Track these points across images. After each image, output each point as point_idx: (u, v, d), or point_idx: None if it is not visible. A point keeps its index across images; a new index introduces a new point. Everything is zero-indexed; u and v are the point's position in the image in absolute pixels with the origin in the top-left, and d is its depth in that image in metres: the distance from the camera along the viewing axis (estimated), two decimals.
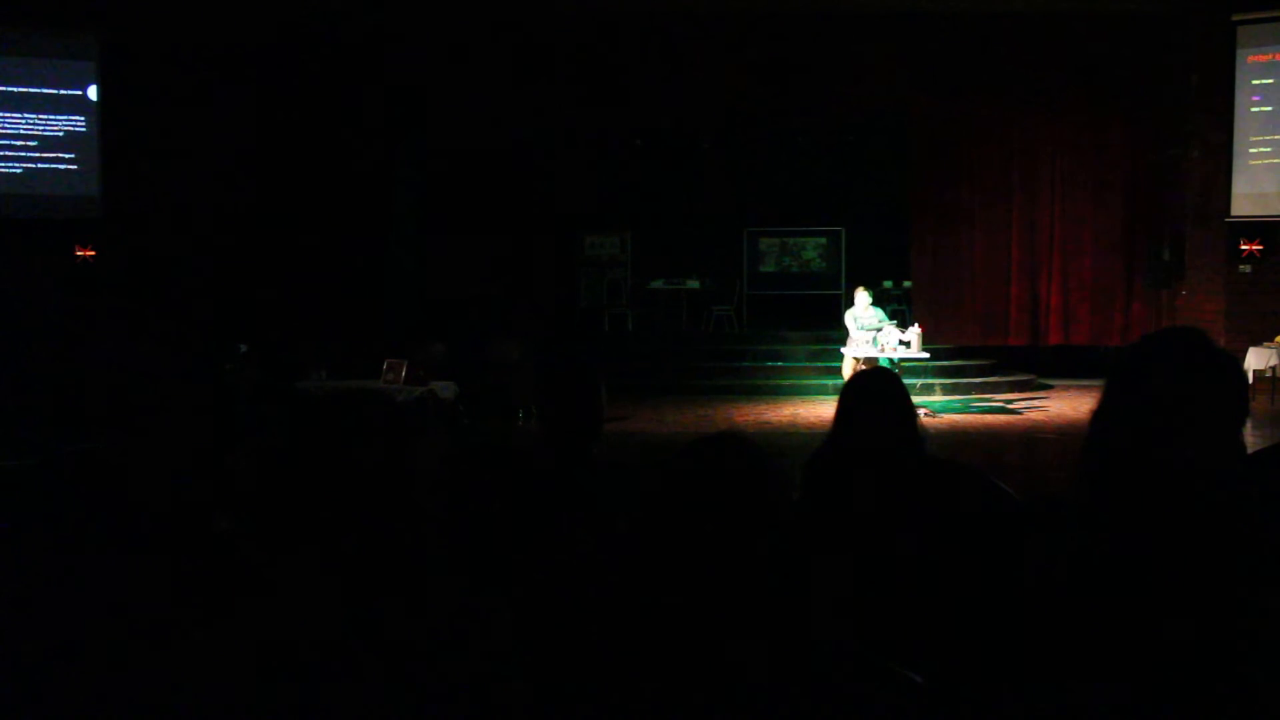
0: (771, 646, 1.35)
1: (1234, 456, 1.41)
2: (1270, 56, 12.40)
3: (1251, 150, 12.48)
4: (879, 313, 12.02)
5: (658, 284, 16.04)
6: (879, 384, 2.76)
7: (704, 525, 1.38)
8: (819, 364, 13.67)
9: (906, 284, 14.96)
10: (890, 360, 10.79)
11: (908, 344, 11.07)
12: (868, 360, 11.10)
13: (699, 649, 1.36)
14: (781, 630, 1.37)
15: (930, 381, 12.93)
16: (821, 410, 10.36)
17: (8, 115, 12.18)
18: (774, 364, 14.08)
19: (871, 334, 11.48)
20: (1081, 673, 1.35)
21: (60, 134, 12.38)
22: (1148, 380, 1.43)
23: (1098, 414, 1.47)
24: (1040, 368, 14.04)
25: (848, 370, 11.43)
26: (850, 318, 11.94)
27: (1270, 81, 12.39)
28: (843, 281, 16.41)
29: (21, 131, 12.23)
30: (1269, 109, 12.40)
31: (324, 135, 13.16)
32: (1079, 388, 13.08)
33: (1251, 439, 1.51)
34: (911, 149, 14.10)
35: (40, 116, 12.29)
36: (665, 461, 1.46)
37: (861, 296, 12.11)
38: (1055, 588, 1.44)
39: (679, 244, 16.34)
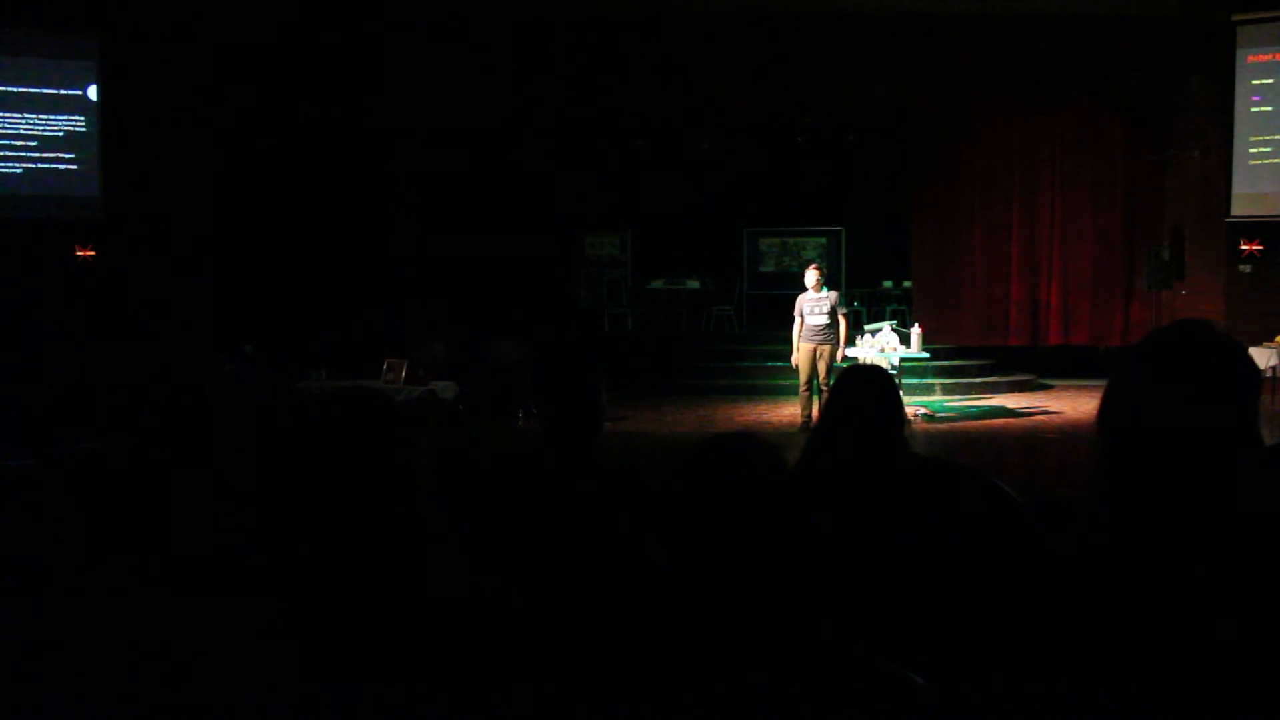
0: (773, 646, 1.35)
1: (1249, 448, 1.41)
2: (1270, 56, 12.40)
3: (1251, 150, 12.48)
4: (834, 298, 10.40)
5: (658, 284, 16.04)
6: (863, 376, 2.79)
7: (723, 524, 1.38)
8: None
9: (906, 284, 14.97)
10: (891, 362, 10.76)
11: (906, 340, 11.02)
12: (803, 357, 10.23)
13: (701, 648, 1.36)
14: (783, 629, 1.37)
15: (930, 381, 12.93)
16: None
17: (8, 115, 12.18)
18: (774, 364, 14.07)
19: (819, 331, 10.22)
20: (1083, 673, 1.35)
21: (60, 134, 12.38)
22: (1156, 375, 1.43)
23: (1106, 415, 1.47)
24: (1040, 368, 14.04)
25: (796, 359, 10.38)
26: (797, 306, 10.45)
27: (1270, 81, 12.39)
28: (843, 281, 16.41)
29: (21, 131, 12.23)
30: (1269, 109, 12.40)
31: (324, 135, 13.16)
32: (1079, 388, 13.08)
33: None
34: (911, 149, 14.09)
35: (40, 116, 12.29)
36: (682, 459, 1.45)
37: (810, 277, 10.42)
38: (1059, 587, 1.44)
39: (679, 244, 16.34)
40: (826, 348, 10.25)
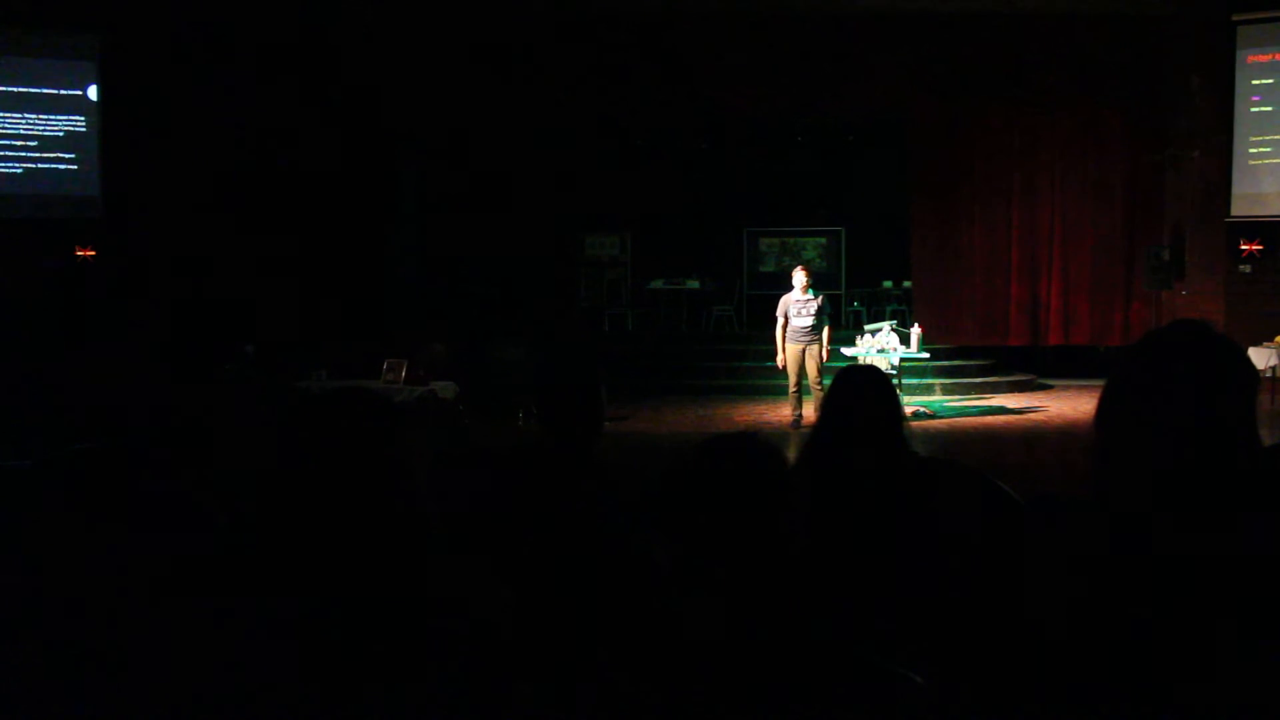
0: (773, 645, 1.35)
1: (1248, 448, 1.41)
2: (1270, 56, 12.40)
3: (1251, 150, 12.48)
4: (820, 301, 10.37)
5: (658, 284, 16.04)
6: (861, 376, 2.79)
7: (724, 524, 1.38)
8: None
9: (906, 284, 14.97)
10: (891, 363, 10.76)
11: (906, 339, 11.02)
12: (792, 355, 10.27)
13: (701, 649, 1.36)
14: (783, 629, 1.37)
15: (930, 381, 12.93)
16: None
17: (8, 115, 12.17)
18: (773, 364, 14.07)
19: (805, 332, 10.20)
20: (1083, 672, 1.35)
21: (60, 134, 12.37)
22: (1154, 375, 1.43)
23: (1104, 415, 1.47)
24: (1040, 368, 14.04)
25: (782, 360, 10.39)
26: (781, 307, 10.40)
27: (1270, 81, 12.39)
28: (843, 282, 16.42)
29: (21, 131, 12.23)
30: (1269, 109, 12.40)
31: (324, 134, 13.16)
32: (1079, 388, 13.07)
33: None
34: (911, 149, 14.09)
35: (40, 116, 12.28)
36: (683, 459, 1.46)
37: (798, 278, 10.40)
38: (1060, 587, 1.44)
39: (679, 244, 16.34)
40: (814, 348, 10.30)
